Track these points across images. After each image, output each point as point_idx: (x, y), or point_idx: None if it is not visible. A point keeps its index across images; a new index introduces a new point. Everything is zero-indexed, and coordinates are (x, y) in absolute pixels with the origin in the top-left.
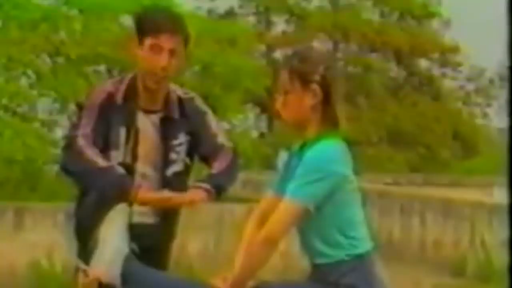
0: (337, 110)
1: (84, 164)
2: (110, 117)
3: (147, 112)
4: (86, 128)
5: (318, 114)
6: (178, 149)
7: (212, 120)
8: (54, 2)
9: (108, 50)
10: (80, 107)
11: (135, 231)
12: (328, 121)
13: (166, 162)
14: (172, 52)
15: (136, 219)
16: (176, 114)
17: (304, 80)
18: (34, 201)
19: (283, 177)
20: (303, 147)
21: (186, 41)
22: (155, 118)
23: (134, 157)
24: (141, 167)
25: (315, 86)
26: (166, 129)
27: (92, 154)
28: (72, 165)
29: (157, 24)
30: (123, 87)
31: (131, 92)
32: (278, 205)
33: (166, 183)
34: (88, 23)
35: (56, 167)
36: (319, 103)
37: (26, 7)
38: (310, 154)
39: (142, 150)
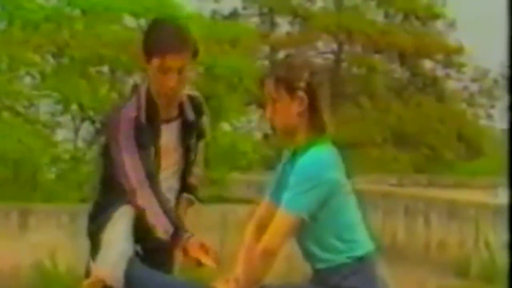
0: (324, 115)
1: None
2: (141, 136)
3: (168, 121)
4: (137, 170)
5: (305, 120)
6: (194, 146)
7: (207, 122)
8: (57, 2)
9: (111, 51)
10: (110, 139)
11: (140, 233)
12: (316, 127)
13: (186, 159)
14: (180, 70)
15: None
16: (191, 116)
17: (290, 88)
18: (35, 202)
19: (278, 183)
20: (294, 154)
21: (194, 54)
22: (175, 125)
23: (157, 169)
24: (163, 174)
25: (301, 93)
26: (185, 132)
27: (150, 213)
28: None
29: (162, 44)
30: (143, 106)
31: (152, 109)
32: (274, 216)
33: (183, 171)
34: (91, 24)
35: (56, 169)
36: (306, 109)
37: (30, 8)
38: (302, 162)
39: (164, 160)
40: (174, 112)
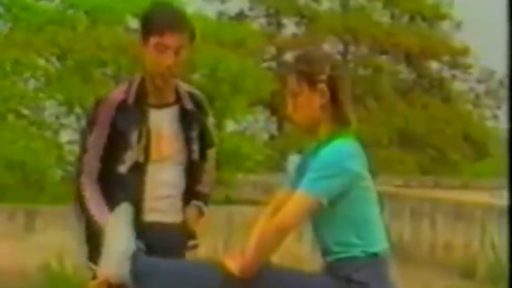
0: (347, 108)
1: (86, 216)
2: (125, 118)
3: (161, 107)
4: (91, 161)
5: (328, 113)
6: (195, 140)
7: (211, 124)
8: (60, 4)
9: (113, 53)
10: (90, 121)
11: (149, 230)
12: (339, 119)
13: (188, 152)
14: (177, 50)
15: (152, 217)
16: (190, 105)
17: (311, 82)
18: (41, 204)
19: (299, 173)
20: (317, 146)
21: (191, 37)
22: (172, 111)
23: (147, 156)
24: (157, 163)
25: (322, 86)
26: (184, 120)
27: (93, 207)
28: (77, 209)
29: (160, 22)
30: (133, 89)
31: (141, 92)
32: (292, 197)
33: (189, 171)
34: (94, 25)
35: (61, 170)
36: (327, 102)
37: (33, 10)
38: (325, 151)
39: (159, 148)
40: (170, 97)
